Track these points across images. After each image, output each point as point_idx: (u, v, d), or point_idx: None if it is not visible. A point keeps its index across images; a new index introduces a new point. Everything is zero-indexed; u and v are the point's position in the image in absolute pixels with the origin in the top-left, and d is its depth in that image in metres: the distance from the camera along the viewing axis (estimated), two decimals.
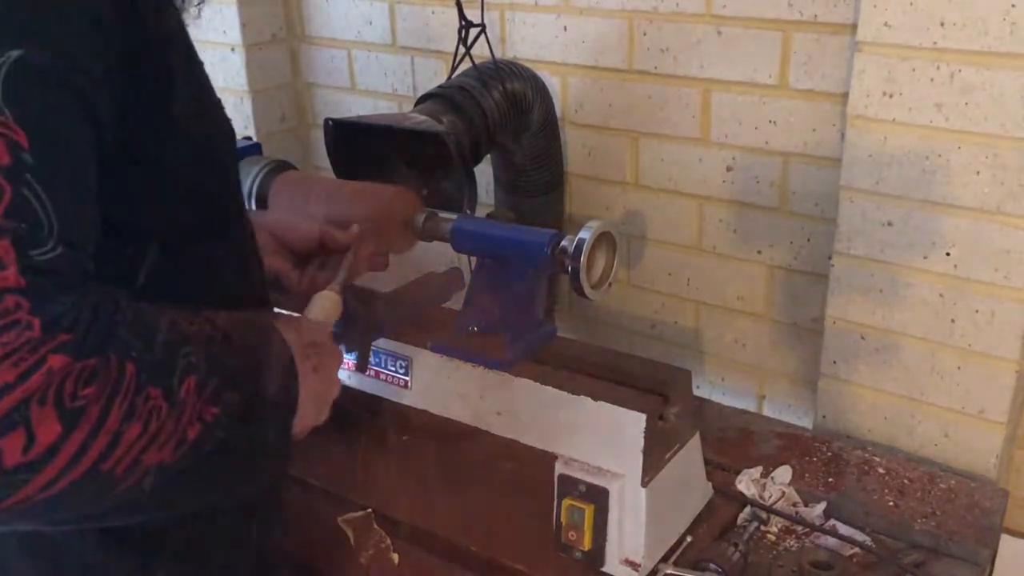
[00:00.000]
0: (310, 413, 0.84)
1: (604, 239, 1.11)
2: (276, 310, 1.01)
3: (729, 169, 1.60)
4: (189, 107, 0.78)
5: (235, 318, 0.77)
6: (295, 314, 0.97)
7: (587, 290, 1.09)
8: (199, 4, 0.87)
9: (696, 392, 1.51)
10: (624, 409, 1.07)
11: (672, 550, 1.16)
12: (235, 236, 0.91)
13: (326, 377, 0.87)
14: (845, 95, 1.39)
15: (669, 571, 1.12)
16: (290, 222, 1.14)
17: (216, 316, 0.74)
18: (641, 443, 1.07)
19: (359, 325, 1.19)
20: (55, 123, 0.65)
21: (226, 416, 0.70)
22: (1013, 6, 1.17)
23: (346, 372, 1.29)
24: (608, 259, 1.13)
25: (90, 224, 0.68)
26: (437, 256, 1.55)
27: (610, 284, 1.13)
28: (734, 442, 1.42)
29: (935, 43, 1.24)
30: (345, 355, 1.26)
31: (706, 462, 1.24)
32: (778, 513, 1.25)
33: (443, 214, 1.22)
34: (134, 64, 0.71)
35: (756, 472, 1.33)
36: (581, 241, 1.07)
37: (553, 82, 1.71)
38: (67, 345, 0.61)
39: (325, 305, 0.99)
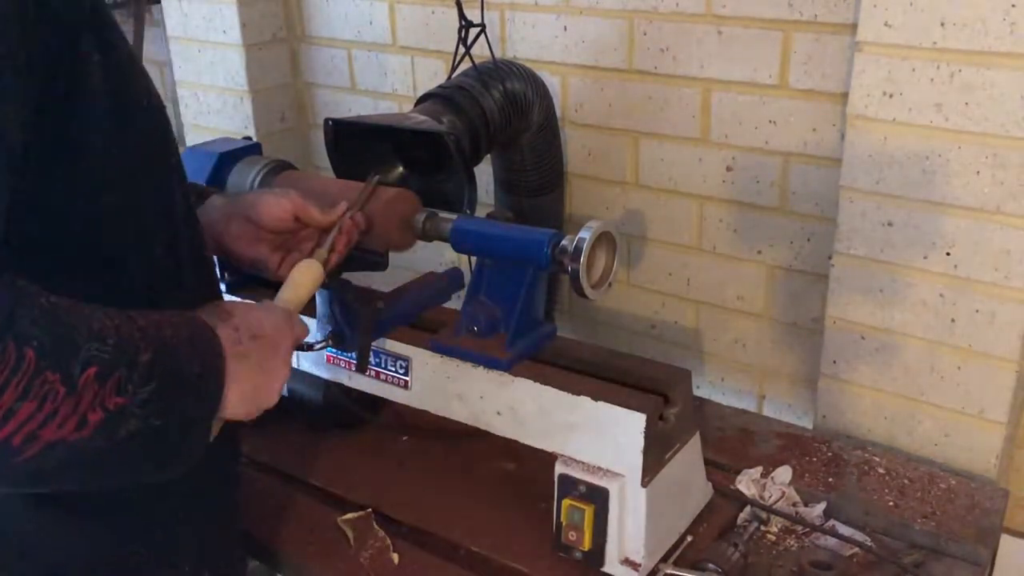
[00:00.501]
0: (241, 404, 0.84)
1: (604, 239, 1.11)
2: (230, 298, 0.99)
3: (729, 169, 1.60)
4: (106, 99, 0.79)
5: (159, 316, 0.78)
6: (247, 301, 0.95)
7: (587, 290, 1.09)
8: None
9: (696, 392, 1.51)
10: (624, 409, 1.07)
11: (672, 550, 1.16)
12: (170, 232, 0.90)
13: (266, 367, 0.87)
14: (845, 95, 1.39)
15: (669, 571, 1.12)
16: (260, 200, 1.09)
17: (139, 314, 0.76)
18: (641, 443, 1.07)
19: (359, 325, 1.19)
20: None
21: (137, 407, 0.72)
22: (1013, 6, 1.18)
23: (346, 372, 1.29)
24: (608, 259, 1.13)
25: None
26: (437, 256, 1.55)
27: (610, 284, 1.13)
28: (734, 442, 1.42)
29: (935, 43, 1.24)
30: (345, 355, 1.27)
31: (706, 462, 1.24)
32: (778, 513, 1.25)
33: (443, 214, 1.22)
34: (45, 51, 0.72)
35: (756, 472, 1.33)
36: (581, 241, 1.07)
37: (553, 82, 1.71)
38: None
39: (303, 272, 0.97)
